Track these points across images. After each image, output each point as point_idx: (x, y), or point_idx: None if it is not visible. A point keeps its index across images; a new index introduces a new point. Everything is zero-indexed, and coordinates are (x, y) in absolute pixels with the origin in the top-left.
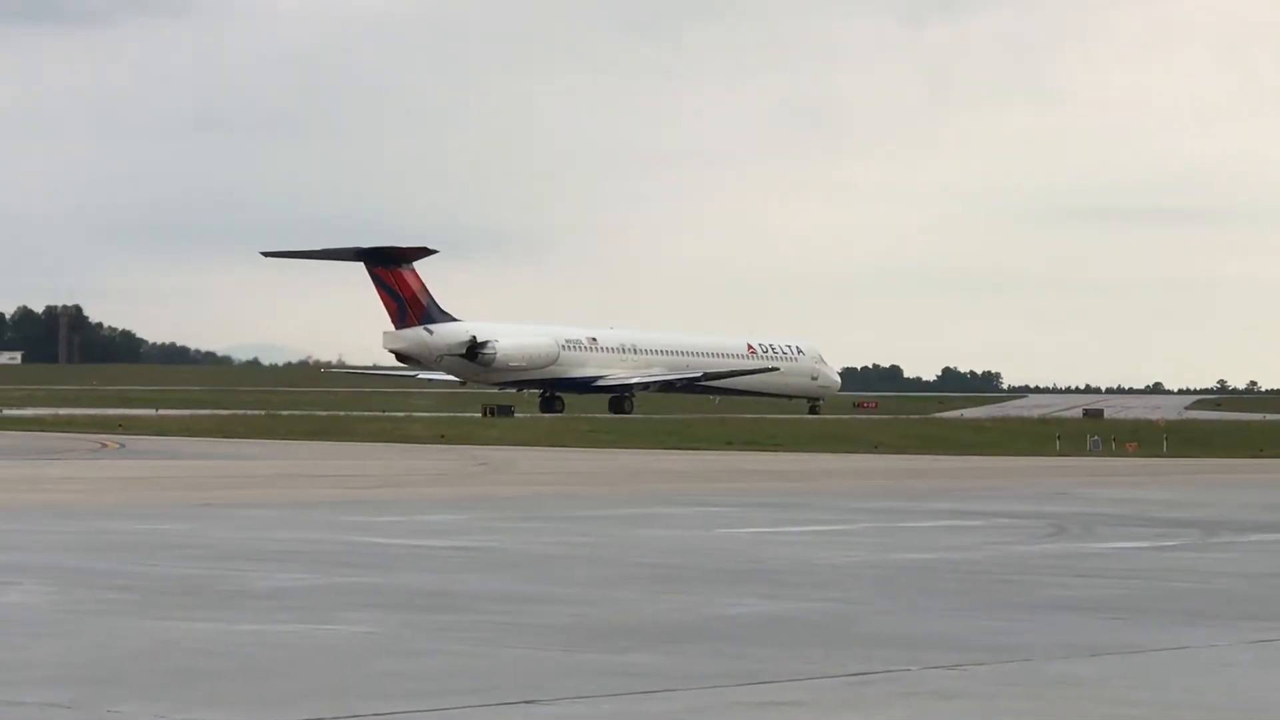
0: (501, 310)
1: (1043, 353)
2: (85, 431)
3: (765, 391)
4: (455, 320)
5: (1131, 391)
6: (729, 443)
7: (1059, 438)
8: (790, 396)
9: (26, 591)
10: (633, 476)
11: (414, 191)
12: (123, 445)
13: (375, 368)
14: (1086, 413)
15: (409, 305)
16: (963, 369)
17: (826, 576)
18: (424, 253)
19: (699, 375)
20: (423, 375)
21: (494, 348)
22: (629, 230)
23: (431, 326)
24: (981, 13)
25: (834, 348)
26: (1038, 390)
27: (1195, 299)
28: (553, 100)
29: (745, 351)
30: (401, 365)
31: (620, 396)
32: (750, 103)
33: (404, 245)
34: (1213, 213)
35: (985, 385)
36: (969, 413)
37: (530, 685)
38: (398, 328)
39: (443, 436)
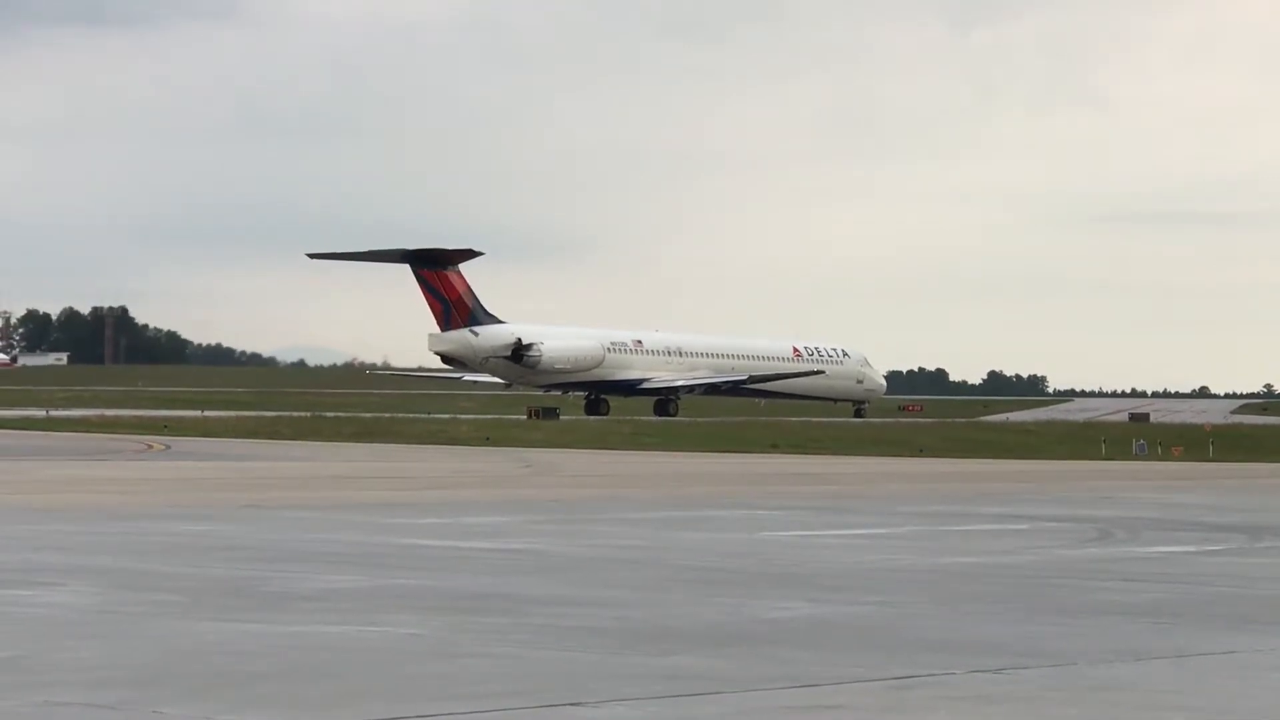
0: (547, 313)
1: (1088, 356)
2: (131, 433)
3: (810, 394)
4: (500, 322)
5: (1177, 395)
6: (774, 446)
7: (1104, 441)
8: (836, 400)
9: (73, 592)
10: (678, 479)
11: (460, 194)
12: (168, 446)
13: (421, 370)
14: (1132, 416)
15: (454, 307)
16: (1008, 372)
17: (871, 580)
18: (470, 255)
19: (744, 378)
20: (468, 377)
21: (539, 350)
22: (674, 233)
23: (477, 329)
24: (1027, 18)
25: (879, 351)
26: (1083, 394)
27: (1241, 303)
28: (597, 104)
29: (790, 354)
30: (447, 367)
31: (665, 399)
32: (795, 106)
33: (450, 247)
34: (1259, 217)
35: (1031, 389)
36: (1014, 416)
37: (575, 687)
38: (443, 330)
39: (488, 439)
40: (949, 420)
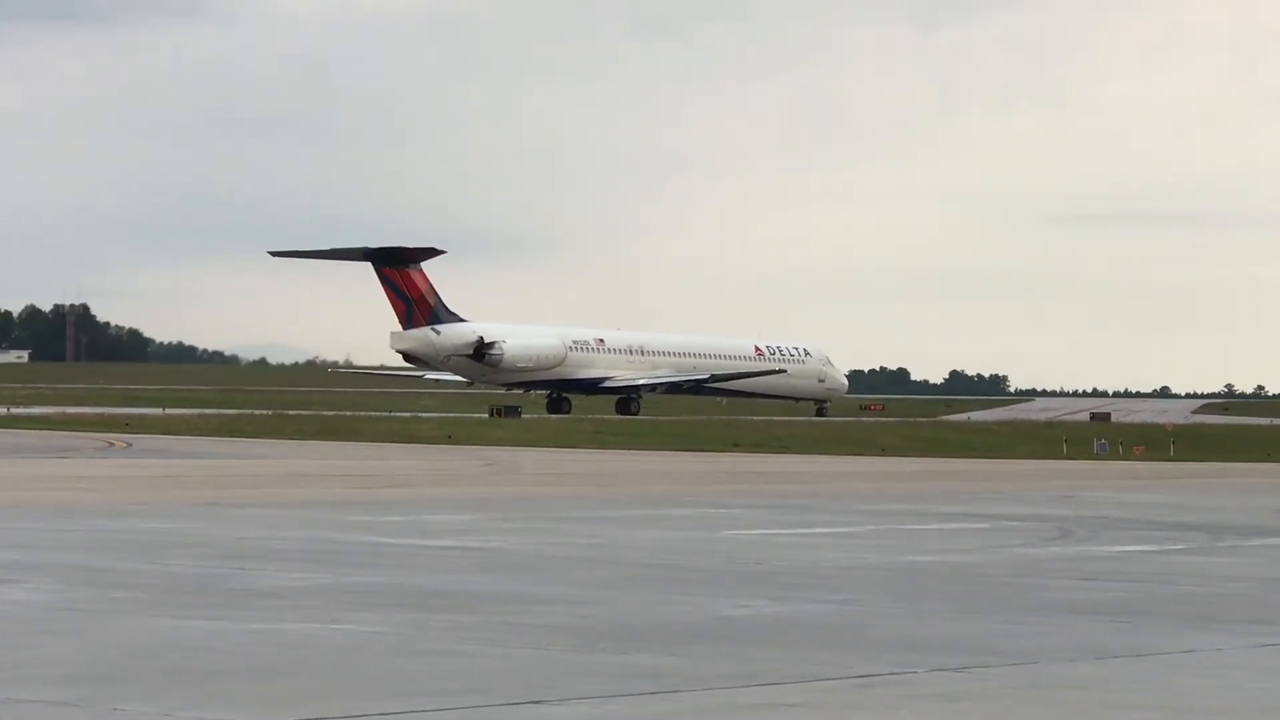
0: (509, 311)
1: (1050, 356)
2: (92, 430)
3: (772, 393)
4: (462, 321)
5: (1139, 395)
6: (736, 444)
7: (1066, 441)
8: (797, 399)
9: (33, 590)
10: (639, 478)
11: (422, 192)
12: (130, 444)
13: (382, 368)
14: (1093, 416)
15: (416, 305)
16: (970, 372)
17: (833, 579)
18: (432, 253)
19: (706, 377)
20: (430, 376)
21: (501, 348)
22: (636, 232)
23: (439, 327)
24: (991, 17)
25: (841, 350)
26: (1045, 393)
27: (1203, 303)
28: (561, 102)
29: (752, 353)
30: (409, 365)
31: (627, 398)
32: (759, 105)
33: (412, 246)
34: (1221, 217)
35: (992, 388)
36: (976, 415)
37: (536, 685)
38: (405, 328)
39: (449, 437)
40: (910, 419)
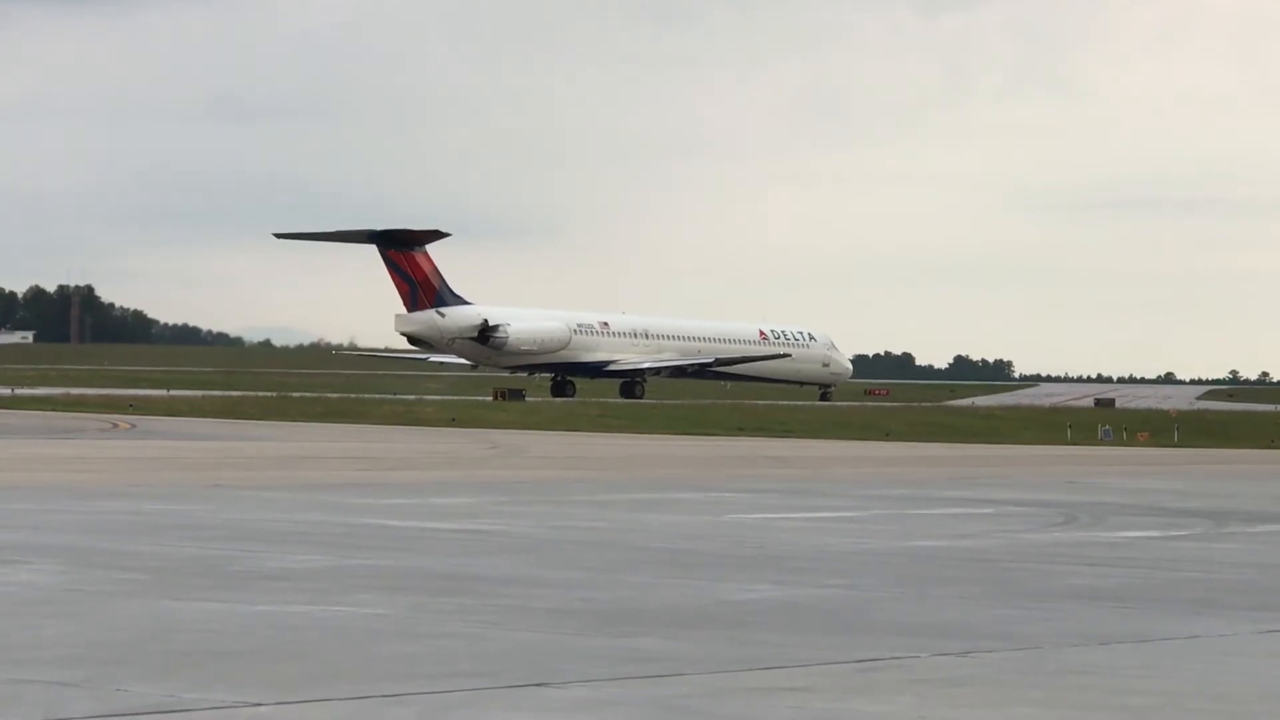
0: (513, 294)
1: (1055, 342)
2: (96, 412)
3: (777, 378)
4: (467, 303)
5: (1143, 381)
6: (740, 429)
7: (1070, 427)
8: (802, 383)
9: (37, 571)
10: (643, 461)
11: (427, 174)
12: (134, 426)
13: (387, 350)
14: (1098, 402)
15: (421, 288)
16: (974, 357)
17: (837, 563)
18: (437, 236)
19: (710, 361)
20: (434, 358)
21: (505, 331)
22: (642, 216)
23: (443, 309)
24: (997, 3)
25: (846, 335)
26: (1049, 379)
27: (1208, 290)
28: (568, 86)
29: (757, 337)
30: (413, 348)
31: (631, 381)
32: (765, 90)
33: (417, 228)
34: (1226, 204)
35: (997, 374)
36: (980, 401)
37: (540, 668)
38: (410, 310)
39: (454, 420)
40: (915, 404)
